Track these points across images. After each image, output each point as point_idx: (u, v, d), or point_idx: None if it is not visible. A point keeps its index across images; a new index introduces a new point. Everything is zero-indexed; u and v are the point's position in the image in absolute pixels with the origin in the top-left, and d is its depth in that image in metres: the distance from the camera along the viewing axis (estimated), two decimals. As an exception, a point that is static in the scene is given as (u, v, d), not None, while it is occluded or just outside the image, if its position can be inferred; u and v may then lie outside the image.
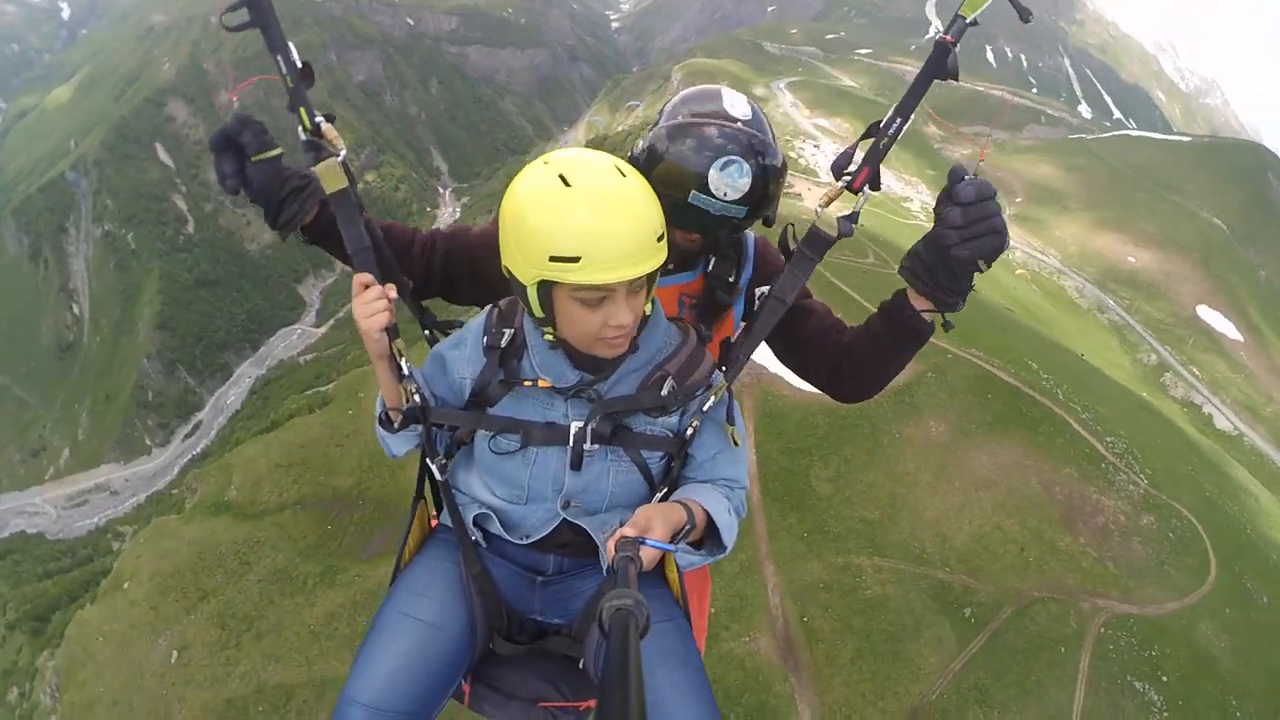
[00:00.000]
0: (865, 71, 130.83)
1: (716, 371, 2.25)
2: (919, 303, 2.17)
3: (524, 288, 1.91)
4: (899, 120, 2.06)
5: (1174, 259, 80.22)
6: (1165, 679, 26.87)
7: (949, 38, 1.96)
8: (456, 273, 2.61)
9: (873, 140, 2.15)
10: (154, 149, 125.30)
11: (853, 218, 2.18)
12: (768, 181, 2.21)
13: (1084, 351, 59.64)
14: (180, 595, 30.96)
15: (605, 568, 2.00)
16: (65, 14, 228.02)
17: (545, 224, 1.79)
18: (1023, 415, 35.42)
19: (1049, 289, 74.60)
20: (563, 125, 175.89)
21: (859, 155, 2.19)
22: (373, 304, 2.08)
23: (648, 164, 2.21)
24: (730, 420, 2.21)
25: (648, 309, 2.05)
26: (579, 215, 1.77)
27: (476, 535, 2.24)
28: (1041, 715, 25.69)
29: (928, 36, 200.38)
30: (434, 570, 2.22)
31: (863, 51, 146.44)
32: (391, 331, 2.11)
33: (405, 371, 2.16)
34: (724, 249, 2.49)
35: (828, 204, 2.22)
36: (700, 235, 2.28)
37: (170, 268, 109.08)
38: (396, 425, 2.19)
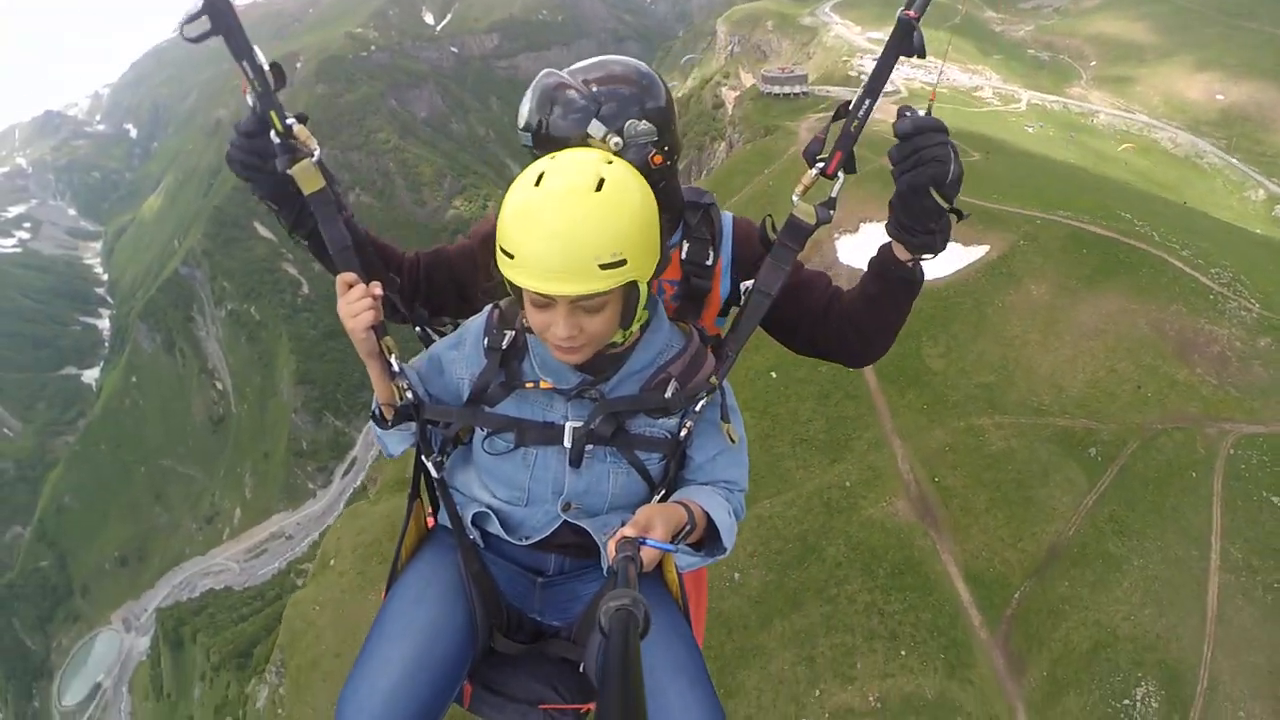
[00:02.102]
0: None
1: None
2: (902, 254, 2.17)
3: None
4: (868, 101, 2.01)
5: (1262, 87, 77.21)
6: None
7: (912, 13, 1.91)
8: (440, 289, 2.64)
9: (843, 123, 2.10)
10: (253, 228, 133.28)
11: (830, 204, 2.15)
12: (553, 112, 2.26)
13: (1186, 199, 58.65)
14: (382, 559, 34.02)
15: (605, 568, 2.06)
16: (133, 133, 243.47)
17: (506, 214, 1.83)
18: (1121, 263, 35.92)
19: (1141, 144, 72.63)
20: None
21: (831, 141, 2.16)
22: (357, 303, 2.08)
23: (528, 140, 2.35)
24: (725, 418, 2.23)
25: (635, 329, 2.05)
26: (526, 215, 1.78)
27: (475, 534, 2.25)
28: (1181, 537, 26.48)
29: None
30: (431, 573, 2.22)
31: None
32: (379, 329, 2.13)
33: (396, 369, 2.17)
34: (696, 230, 2.51)
35: (804, 192, 2.16)
36: None
37: (296, 328, 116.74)
38: (390, 422, 2.20)
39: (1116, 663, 24.43)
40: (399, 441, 2.30)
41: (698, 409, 2.16)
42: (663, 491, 2.21)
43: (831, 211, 2.15)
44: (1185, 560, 26.07)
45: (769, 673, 25.85)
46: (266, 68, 2.04)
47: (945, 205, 2.00)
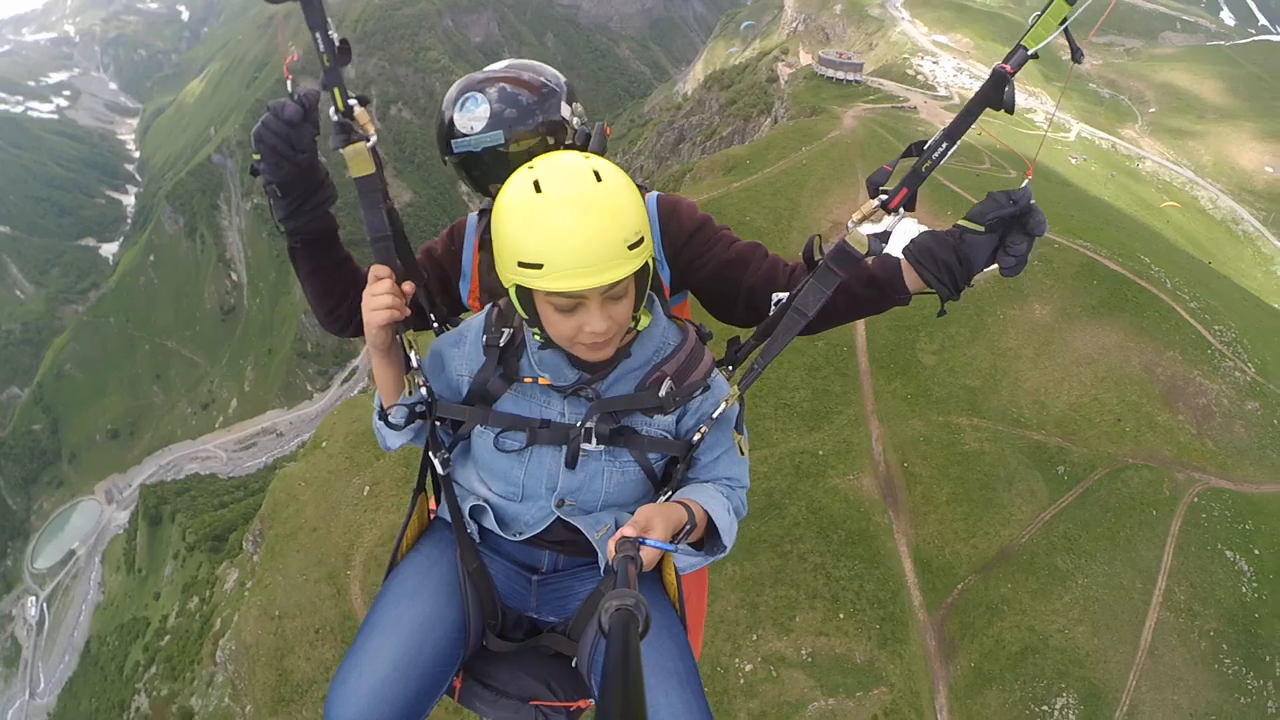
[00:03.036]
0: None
1: (716, 372, 2.24)
2: (915, 284, 2.16)
3: (506, 290, 1.93)
4: (945, 145, 1.96)
5: (1316, 169, 76.55)
6: (1257, 552, 27.81)
7: (1008, 67, 1.84)
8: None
9: (914, 160, 2.04)
10: None
11: (883, 237, 2.11)
12: (520, 103, 2.35)
13: (1211, 260, 58.84)
14: (370, 446, 35.51)
15: (604, 567, 2.05)
16: (185, 16, 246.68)
17: (514, 230, 1.81)
18: (1128, 301, 36.45)
19: (1181, 200, 72.74)
20: (680, 65, 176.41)
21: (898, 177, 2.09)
22: (379, 297, 2.11)
23: (447, 158, 2.48)
24: (739, 429, 2.24)
25: (645, 321, 2.08)
26: (543, 222, 1.77)
27: (473, 529, 2.25)
28: (1129, 568, 27.34)
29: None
30: (428, 568, 2.24)
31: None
32: (400, 326, 2.17)
33: (414, 363, 2.21)
34: None
35: (861, 220, 2.11)
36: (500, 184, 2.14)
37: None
38: (394, 417, 2.19)
39: (1042, 669, 25.39)
40: (400, 436, 2.27)
41: (715, 415, 2.16)
42: (668, 491, 2.19)
43: (884, 245, 2.12)
44: (1129, 590, 26.90)
45: (712, 611, 26.71)
46: (338, 42, 2.01)
47: (994, 271, 2.01)
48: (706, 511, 2.01)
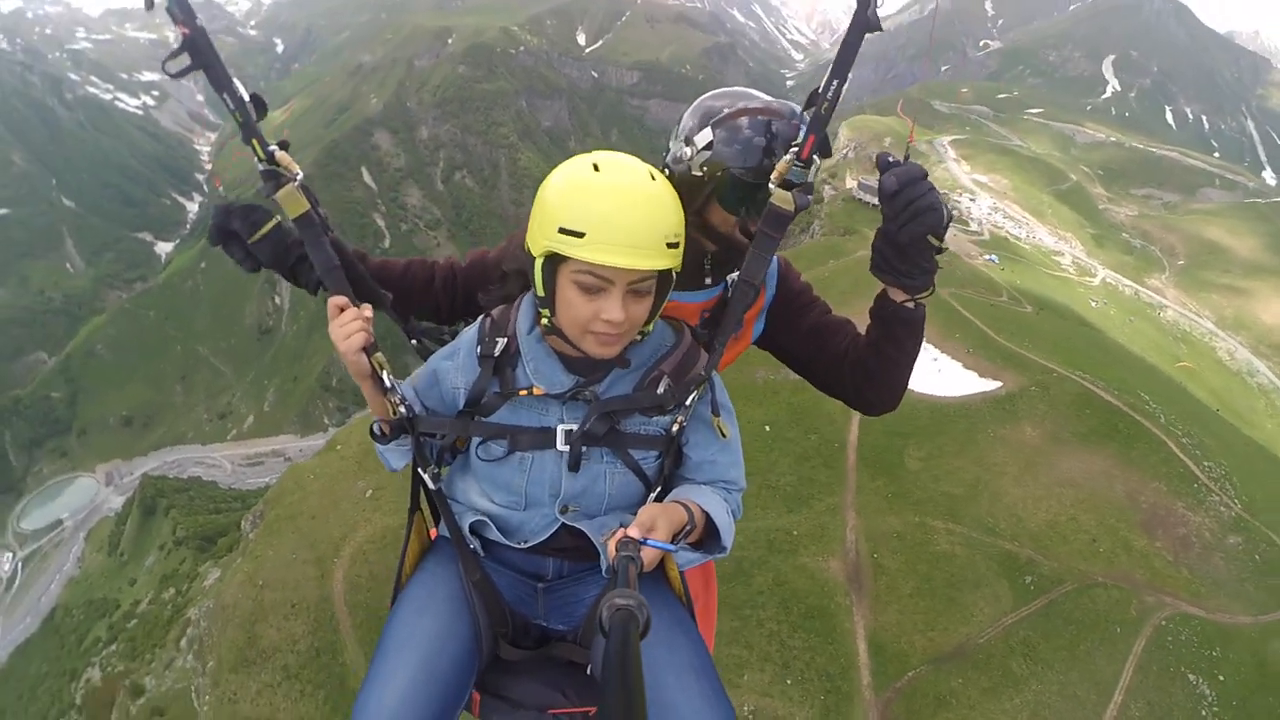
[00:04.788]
0: (1034, 131, 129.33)
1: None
2: (897, 295, 2.20)
3: (532, 260, 1.92)
4: (835, 82, 1.95)
5: (1338, 327, 77.13)
6: (1222, 678, 27.98)
7: None
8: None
9: (814, 108, 2.03)
10: (360, 171, 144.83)
11: (807, 189, 2.08)
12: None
13: (1220, 408, 59.43)
14: (385, 457, 38.65)
15: (605, 568, 2.06)
16: (279, 49, 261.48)
17: (563, 198, 1.84)
18: (1119, 431, 37.67)
19: (1199, 350, 73.60)
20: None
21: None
22: (348, 325, 2.08)
23: (710, 162, 2.23)
24: (715, 412, 2.20)
25: (649, 329, 2.06)
26: (595, 195, 1.81)
27: (475, 544, 2.24)
28: (1086, 680, 27.76)
29: (1104, 96, 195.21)
30: (434, 584, 2.24)
31: (1033, 111, 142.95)
32: (370, 349, 2.11)
33: (388, 384, 2.16)
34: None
35: (779, 179, 2.07)
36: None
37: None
38: (387, 437, 2.22)
39: (986, 766, 25.59)
40: (399, 456, 2.29)
41: (687, 403, 2.13)
42: (659, 489, 2.19)
43: (809, 197, 2.10)
44: (1083, 700, 27.20)
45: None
46: (247, 99, 2.02)
47: (938, 245, 2.05)
48: (706, 512, 2.01)
